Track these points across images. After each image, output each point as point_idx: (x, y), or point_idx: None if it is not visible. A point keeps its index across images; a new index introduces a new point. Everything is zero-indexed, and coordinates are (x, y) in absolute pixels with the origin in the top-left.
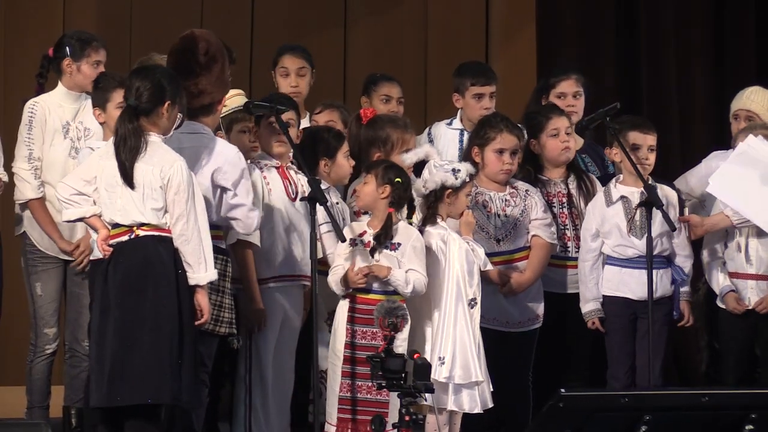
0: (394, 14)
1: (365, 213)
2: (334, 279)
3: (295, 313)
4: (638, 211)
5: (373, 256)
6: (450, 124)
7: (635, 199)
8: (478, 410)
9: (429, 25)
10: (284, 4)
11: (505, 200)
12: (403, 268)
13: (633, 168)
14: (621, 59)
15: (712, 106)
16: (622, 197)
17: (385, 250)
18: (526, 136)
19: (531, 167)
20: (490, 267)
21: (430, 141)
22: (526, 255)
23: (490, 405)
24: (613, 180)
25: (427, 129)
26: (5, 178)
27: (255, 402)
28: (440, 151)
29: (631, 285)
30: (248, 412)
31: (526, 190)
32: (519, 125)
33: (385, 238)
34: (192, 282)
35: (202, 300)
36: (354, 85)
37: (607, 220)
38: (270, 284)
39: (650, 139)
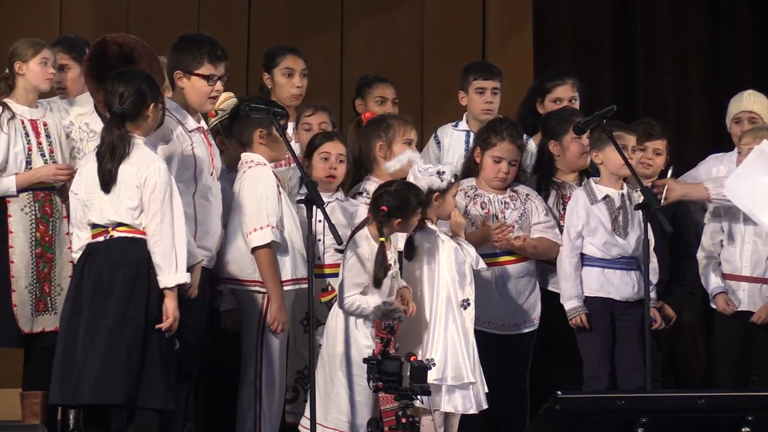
0: (391, 16)
1: None
2: (359, 304)
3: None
4: (621, 212)
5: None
6: (456, 126)
7: (617, 200)
8: (473, 411)
9: (425, 26)
10: (281, 6)
11: (504, 203)
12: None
13: (630, 170)
14: (617, 60)
15: (708, 106)
16: (606, 197)
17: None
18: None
19: (546, 169)
20: (483, 266)
21: (438, 144)
22: (512, 260)
23: (485, 406)
24: (591, 180)
25: (434, 133)
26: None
27: (264, 407)
28: (446, 152)
29: (616, 284)
30: (258, 418)
31: (527, 195)
32: (519, 130)
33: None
34: (161, 284)
35: (168, 303)
36: (350, 87)
37: (591, 217)
38: (296, 287)
39: (632, 140)
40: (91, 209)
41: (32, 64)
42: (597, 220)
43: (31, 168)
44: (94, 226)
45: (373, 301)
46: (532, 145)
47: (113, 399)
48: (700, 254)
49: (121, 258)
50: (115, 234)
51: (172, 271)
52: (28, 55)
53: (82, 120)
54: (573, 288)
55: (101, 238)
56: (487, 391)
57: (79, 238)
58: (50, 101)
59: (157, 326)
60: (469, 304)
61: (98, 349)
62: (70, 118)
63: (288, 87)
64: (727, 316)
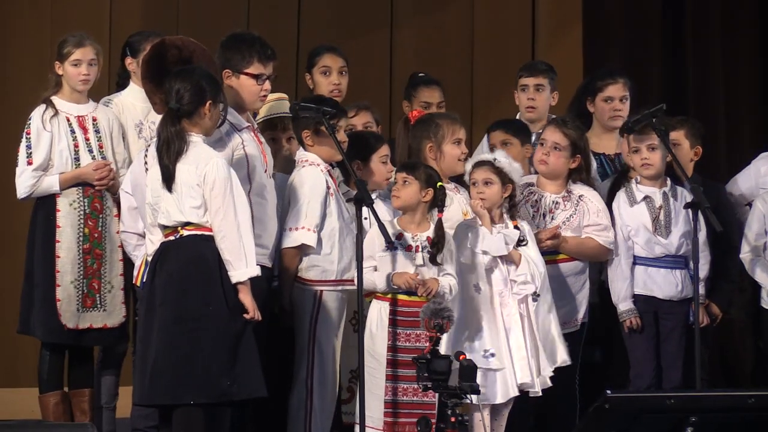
0: (441, 15)
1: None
2: (371, 278)
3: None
4: (662, 211)
5: (435, 264)
6: None
7: (658, 199)
8: (513, 394)
9: (475, 25)
10: (331, 5)
11: (556, 203)
12: (441, 273)
13: (678, 168)
14: (667, 59)
15: (758, 104)
16: (646, 197)
17: (427, 255)
18: None
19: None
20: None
21: (491, 145)
22: (568, 258)
23: (514, 393)
24: (633, 180)
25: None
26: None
27: (315, 404)
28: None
29: (659, 283)
30: (308, 416)
31: (581, 195)
32: (577, 125)
33: (442, 246)
34: (233, 280)
35: (244, 297)
36: (400, 86)
37: (632, 219)
38: (346, 287)
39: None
40: (159, 212)
41: (66, 65)
42: (638, 221)
43: (79, 164)
44: (164, 227)
45: (378, 277)
46: None
47: (202, 398)
48: (745, 255)
49: (193, 255)
50: (185, 233)
51: (242, 265)
52: (63, 55)
53: (150, 118)
54: (626, 288)
55: (172, 238)
56: (522, 381)
57: (152, 242)
58: (117, 98)
59: (245, 315)
60: (537, 297)
61: (177, 346)
62: (139, 117)
63: (326, 85)
64: None
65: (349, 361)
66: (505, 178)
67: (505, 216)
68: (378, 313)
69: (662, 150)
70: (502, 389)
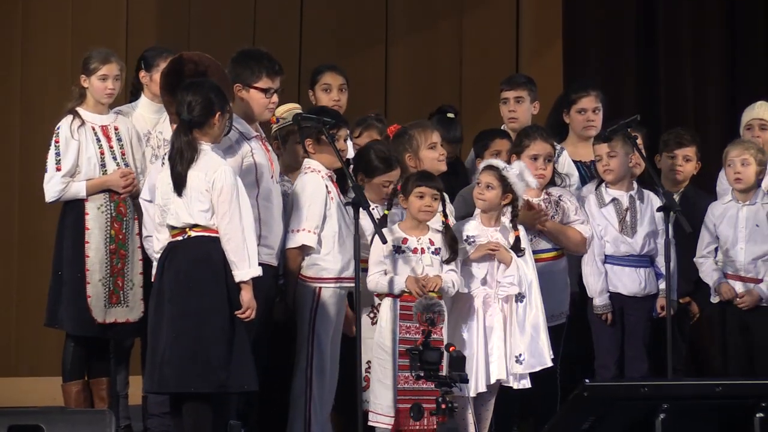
0: (432, 33)
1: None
2: (380, 281)
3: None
4: (628, 212)
5: (447, 263)
6: None
7: (625, 201)
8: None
9: (464, 43)
10: (330, 24)
11: (538, 206)
12: (445, 270)
13: (653, 172)
14: (640, 74)
15: (724, 118)
16: (614, 199)
17: (432, 255)
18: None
19: None
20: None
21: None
22: (556, 255)
23: (482, 389)
24: (602, 184)
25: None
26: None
27: (314, 393)
28: None
29: (624, 280)
30: (308, 403)
31: (560, 196)
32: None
33: (457, 249)
34: (236, 279)
35: (245, 295)
36: (394, 99)
37: (601, 219)
38: (345, 284)
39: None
40: (168, 213)
41: (93, 79)
42: (606, 221)
43: (105, 170)
44: (172, 228)
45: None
46: (565, 154)
47: (206, 387)
48: (698, 258)
49: (200, 255)
50: (192, 234)
51: (245, 266)
52: (90, 69)
53: (157, 128)
54: (601, 284)
55: (179, 238)
56: (499, 377)
57: (159, 240)
58: (126, 109)
59: (236, 313)
60: (522, 298)
61: (183, 339)
62: (147, 127)
63: (326, 101)
64: (729, 312)
65: (367, 352)
66: (507, 187)
67: (504, 221)
68: (387, 309)
69: (622, 156)
70: (473, 383)
